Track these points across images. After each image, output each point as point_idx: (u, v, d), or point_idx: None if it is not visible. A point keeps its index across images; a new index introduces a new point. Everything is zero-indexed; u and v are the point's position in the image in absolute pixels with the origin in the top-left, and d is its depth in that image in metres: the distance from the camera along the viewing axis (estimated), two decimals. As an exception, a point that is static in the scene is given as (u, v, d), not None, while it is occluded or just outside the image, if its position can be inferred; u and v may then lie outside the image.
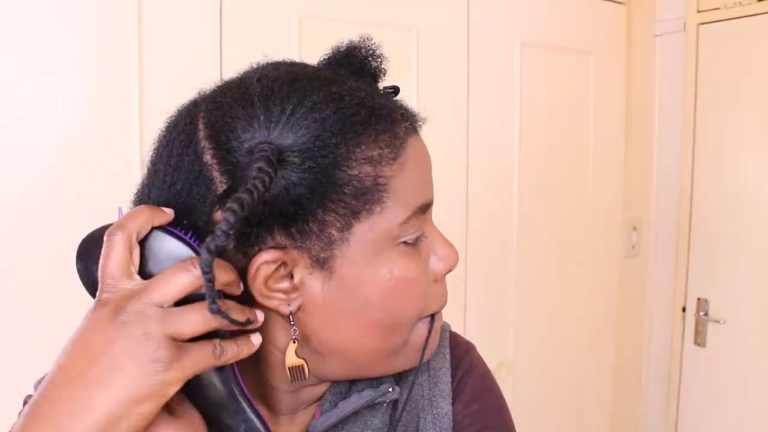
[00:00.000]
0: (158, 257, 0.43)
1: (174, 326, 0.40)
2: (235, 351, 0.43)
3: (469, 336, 0.65)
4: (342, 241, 0.45)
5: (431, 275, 0.50)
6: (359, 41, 0.50)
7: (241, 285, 0.45)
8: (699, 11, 1.93)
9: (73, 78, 1.17)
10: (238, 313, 0.43)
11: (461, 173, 1.67)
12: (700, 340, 1.98)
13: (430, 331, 0.51)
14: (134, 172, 1.19)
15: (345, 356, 0.49)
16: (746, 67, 1.84)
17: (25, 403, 0.51)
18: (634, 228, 2.12)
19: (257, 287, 0.45)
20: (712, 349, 1.95)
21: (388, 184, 0.45)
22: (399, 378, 0.56)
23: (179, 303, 0.41)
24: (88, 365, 0.39)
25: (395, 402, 0.55)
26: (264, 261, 0.44)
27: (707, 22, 1.91)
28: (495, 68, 1.73)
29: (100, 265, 0.42)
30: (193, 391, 0.44)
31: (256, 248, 0.44)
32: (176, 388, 0.40)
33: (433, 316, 0.51)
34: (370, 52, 0.50)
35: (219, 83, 0.49)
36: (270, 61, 0.50)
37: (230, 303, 0.43)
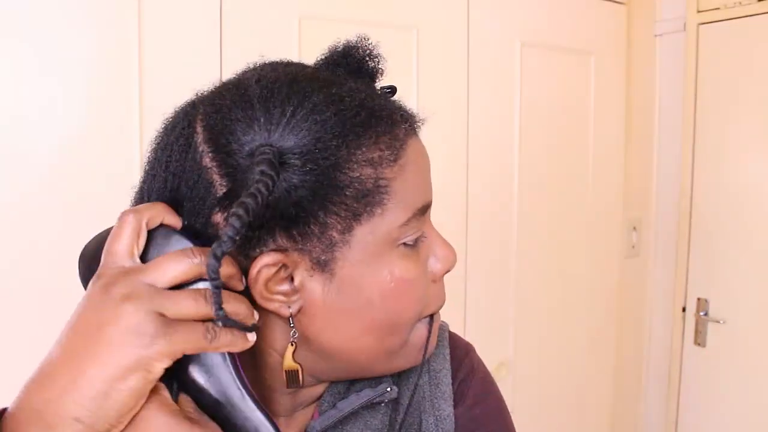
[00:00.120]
0: (161, 252, 0.43)
1: (163, 303, 0.40)
2: (229, 340, 0.42)
3: (469, 336, 0.65)
4: (343, 243, 0.45)
5: (430, 276, 0.50)
6: (356, 41, 0.50)
7: (243, 280, 0.44)
8: (699, 11, 1.93)
9: (73, 78, 1.17)
10: (245, 317, 0.43)
11: (461, 173, 1.67)
12: (700, 340, 1.98)
13: (429, 331, 0.51)
14: (134, 172, 1.19)
15: (345, 357, 0.49)
16: (746, 67, 1.84)
17: None
18: (634, 228, 2.12)
19: (258, 290, 0.45)
20: (712, 349, 1.95)
21: (388, 185, 0.45)
22: (397, 378, 0.56)
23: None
24: (79, 341, 0.39)
25: (394, 402, 0.55)
26: (265, 264, 0.44)
27: (707, 22, 1.91)
28: (495, 68, 1.73)
29: (106, 242, 0.42)
30: (199, 395, 0.44)
31: (258, 250, 0.44)
32: (163, 364, 0.39)
33: (431, 316, 0.52)
34: (368, 51, 0.50)
35: (216, 84, 0.48)
36: (267, 62, 0.50)
37: (237, 306, 0.43)
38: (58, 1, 1.14)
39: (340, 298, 0.46)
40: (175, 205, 0.45)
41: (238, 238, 0.38)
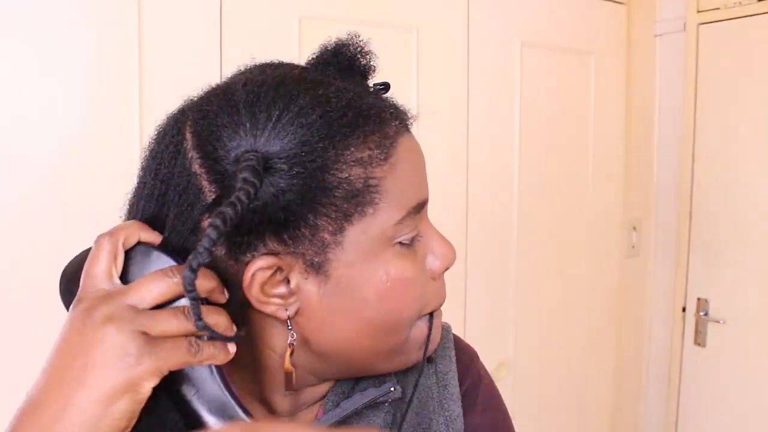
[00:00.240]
0: (141, 270, 0.43)
1: (145, 322, 0.40)
2: (211, 352, 0.42)
3: (469, 336, 0.66)
4: (335, 244, 0.44)
5: (429, 273, 0.50)
6: (347, 39, 0.49)
7: (226, 292, 0.44)
8: (699, 11, 1.93)
9: (73, 78, 1.17)
10: (225, 329, 0.43)
11: (461, 173, 1.67)
12: (700, 340, 1.98)
13: (430, 329, 0.51)
14: (134, 172, 1.18)
15: (344, 357, 0.49)
16: (746, 67, 1.84)
17: None
18: (634, 228, 2.12)
19: (254, 294, 0.45)
20: (712, 349, 1.95)
21: (379, 185, 0.45)
22: (401, 377, 0.56)
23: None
24: (65, 366, 0.39)
25: (398, 401, 0.55)
26: (259, 267, 0.44)
27: (707, 22, 1.91)
28: (495, 68, 1.73)
29: (85, 265, 0.43)
30: (185, 408, 0.44)
31: (249, 255, 0.44)
32: (151, 383, 0.39)
33: (431, 313, 0.51)
34: (359, 49, 0.49)
35: (205, 89, 0.48)
36: (257, 64, 0.49)
37: (217, 318, 0.43)
38: (58, 1, 1.14)
39: (337, 299, 0.46)
40: (166, 212, 0.45)
41: (214, 249, 0.38)
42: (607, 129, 1.99)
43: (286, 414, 0.54)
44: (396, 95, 0.51)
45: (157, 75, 1.22)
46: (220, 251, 0.44)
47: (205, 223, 0.43)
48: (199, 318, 0.39)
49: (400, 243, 0.47)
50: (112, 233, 0.43)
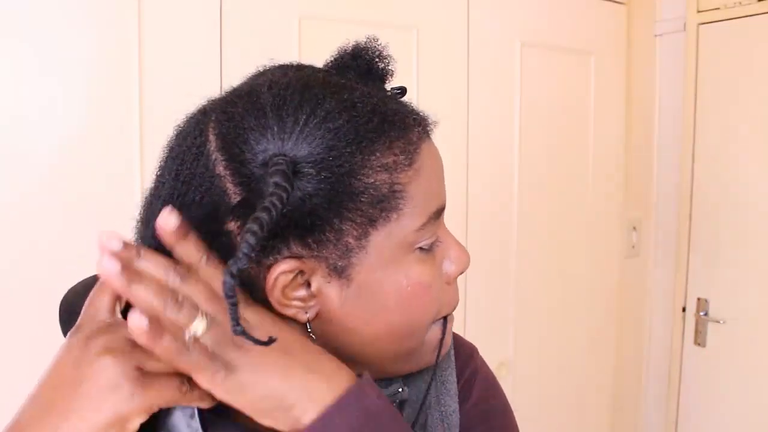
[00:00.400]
0: None
1: (140, 357, 0.40)
2: (201, 394, 0.42)
3: (469, 336, 0.66)
4: (359, 249, 0.44)
5: (444, 278, 0.50)
6: (366, 42, 0.49)
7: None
8: (699, 11, 1.93)
9: (73, 78, 1.17)
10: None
11: (461, 173, 1.67)
12: (700, 340, 1.98)
13: (443, 333, 0.51)
14: (134, 172, 1.19)
15: (361, 359, 0.49)
16: (746, 67, 1.84)
17: None
18: (634, 228, 2.12)
19: (276, 296, 0.45)
20: (712, 349, 1.95)
21: (404, 190, 0.45)
22: (407, 378, 0.56)
23: None
24: (56, 394, 0.39)
25: (403, 402, 0.55)
26: (282, 271, 0.44)
27: (707, 22, 1.91)
28: (495, 68, 1.73)
29: (90, 294, 0.43)
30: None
31: (272, 258, 0.44)
32: (139, 420, 0.40)
33: (445, 317, 0.52)
34: (377, 53, 0.49)
35: (227, 91, 0.48)
36: (277, 65, 0.49)
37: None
38: (58, 1, 1.14)
39: (357, 303, 0.46)
40: (186, 214, 0.45)
41: (254, 254, 0.38)
42: (607, 129, 1.99)
43: None
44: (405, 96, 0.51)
45: (157, 75, 1.22)
46: None
47: (231, 224, 0.43)
48: (237, 323, 0.39)
49: (420, 248, 0.47)
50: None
